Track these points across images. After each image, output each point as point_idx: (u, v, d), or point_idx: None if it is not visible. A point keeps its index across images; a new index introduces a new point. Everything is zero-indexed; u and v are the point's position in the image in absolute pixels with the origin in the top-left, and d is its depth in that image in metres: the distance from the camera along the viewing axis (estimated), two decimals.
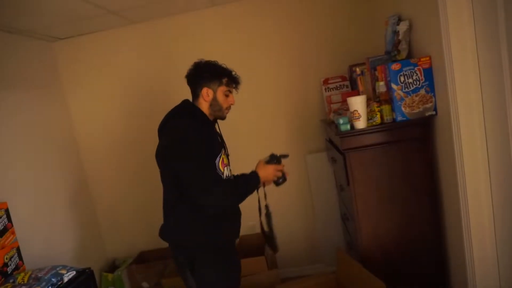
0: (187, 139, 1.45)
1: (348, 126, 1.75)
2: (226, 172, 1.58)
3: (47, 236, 2.34)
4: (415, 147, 1.72)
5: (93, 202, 2.95)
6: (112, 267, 2.90)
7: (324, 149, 2.63)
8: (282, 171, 1.66)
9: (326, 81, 2.52)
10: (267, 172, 1.60)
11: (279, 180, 1.65)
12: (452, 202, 1.64)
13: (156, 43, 2.71)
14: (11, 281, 1.75)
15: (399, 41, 1.78)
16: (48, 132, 2.56)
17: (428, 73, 1.63)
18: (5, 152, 2.13)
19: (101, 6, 2.20)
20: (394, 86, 1.66)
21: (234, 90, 1.69)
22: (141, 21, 2.67)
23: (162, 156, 1.56)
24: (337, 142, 1.95)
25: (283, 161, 1.69)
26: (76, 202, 2.74)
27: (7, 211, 1.92)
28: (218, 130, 1.70)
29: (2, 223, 1.87)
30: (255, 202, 1.71)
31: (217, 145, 1.58)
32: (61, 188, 2.58)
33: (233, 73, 1.65)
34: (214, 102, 1.61)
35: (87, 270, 1.97)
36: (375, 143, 1.73)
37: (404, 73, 1.64)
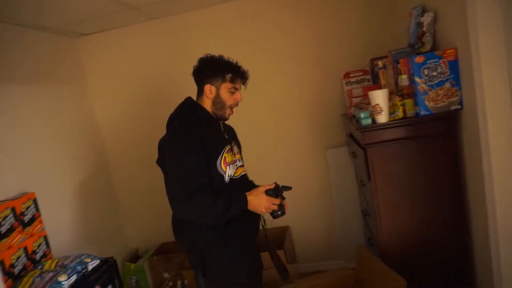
0: (173, 146, 1.43)
1: (370, 121, 1.72)
2: (229, 171, 1.51)
3: (72, 226, 2.42)
4: (438, 142, 1.67)
5: (116, 193, 3.03)
6: (135, 257, 2.98)
7: (345, 144, 2.60)
8: (281, 204, 1.51)
9: (347, 75, 2.48)
10: (258, 201, 1.44)
11: (276, 213, 1.50)
12: (477, 200, 1.59)
13: (175, 38, 2.73)
14: (39, 267, 1.83)
15: (423, 33, 1.73)
16: (73, 124, 2.64)
17: (454, 66, 1.58)
18: (33, 144, 2.21)
19: (123, 2, 2.24)
20: (417, 79, 1.62)
21: (242, 86, 1.60)
22: (162, 17, 2.70)
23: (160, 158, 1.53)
24: (358, 136, 1.92)
25: (285, 193, 1.56)
26: (100, 193, 2.82)
27: (35, 201, 2.00)
28: (221, 127, 1.62)
29: (30, 213, 1.94)
30: None
31: (217, 144, 1.51)
32: (85, 179, 2.66)
33: (240, 68, 1.56)
34: (217, 100, 1.54)
35: (110, 260, 2.03)
36: (397, 138, 1.69)
37: (428, 66, 1.59)
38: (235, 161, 1.58)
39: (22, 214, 1.89)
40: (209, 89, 1.53)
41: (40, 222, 2.01)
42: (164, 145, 1.49)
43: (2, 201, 1.86)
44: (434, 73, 1.59)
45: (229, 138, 1.62)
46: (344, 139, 2.61)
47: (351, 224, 2.70)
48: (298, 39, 2.63)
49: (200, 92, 1.57)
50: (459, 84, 1.59)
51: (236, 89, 1.56)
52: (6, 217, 1.78)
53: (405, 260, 1.78)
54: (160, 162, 1.53)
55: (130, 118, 2.92)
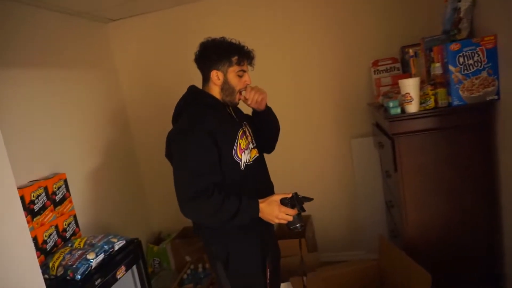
0: (179, 143, 1.36)
1: (399, 110, 1.67)
2: (245, 157, 1.44)
3: (99, 206, 2.50)
4: (472, 134, 1.61)
5: (141, 176, 3.10)
6: (158, 239, 3.05)
7: (371, 134, 2.55)
8: (299, 216, 1.38)
9: (375, 63, 2.41)
10: (271, 210, 1.33)
11: (293, 225, 1.38)
12: None
13: (203, 23, 2.73)
14: (69, 245, 1.90)
15: (460, 19, 1.65)
16: (102, 108, 2.70)
17: (492, 54, 1.50)
18: (64, 127, 2.28)
19: None
20: (451, 68, 1.55)
21: (249, 67, 1.49)
22: (190, 2, 2.70)
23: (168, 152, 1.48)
24: (385, 126, 1.87)
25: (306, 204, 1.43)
26: (127, 177, 2.90)
27: (65, 182, 2.07)
28: (232, 112, 1.52)
29: (61, 192, 2.02)
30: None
31: (231, 132, 1.43)
32: (113, 163, 2.73)
33: (244, 48, 1.44)
34: (225, 86, 1.44)
35: (135, 241, 2.08)
36: (427, 128, 1.64)
37: (464, 53, 1.52)
38: (249, 145, 1.50)
39: (54, 193, 1.96)
40: (216, 75, 1.43)
41: (70, 201, 2.08)
42: (171, 142, 1.43)
43: (36, 180, 1.94)
44: (470, 62, 1.52)
45: (240, 119, 1.53)
46: (370, 128, 2.55)
47: (374, 215, 2.67)
48: (325, 26, 2.57)
49: (206, 79, 1.47)
50: (497, 73, 1.51)
51: (244, 71, 1.46)
52: (39, 196, 1.85)
53: (430, 254, 1.74)
54: (168, 155, 1.49)
55: (157, 105, 2.96)
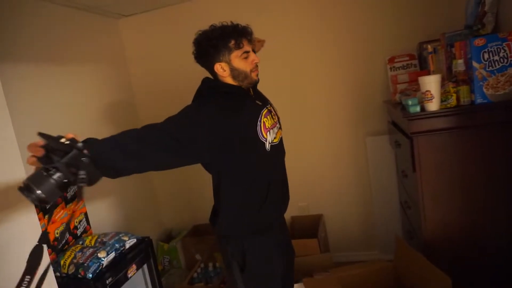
0: (184, 109, 1.28)
1: (418, 108, 1.61)
2: (270, 137, 1.36)
3: (110, 204, 2.49)
4: (496, 133, 1.54)
5: (151, 173, 3.08)
6: (168, 237, 3.04)
7: (386, 132, 2.49)
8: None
9: (391, 60, 2.35)
10: None
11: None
12: None
13: (215, 18, 2.67)
14: (80, 242, 1.89)
15: (484, 13, 1.59)
16: (112, 103, 2.68)
17: None
18: (75, 122, 2.27)
19: None
20: (475, 64, 1.49)
21: (250, 44, 1.37)
22: None
23: None
24: (403, 125, 1.81)
25: None
26: (137, 175, 2.87)
27: None
28: (252, 95, 1.43)
29: (73, 190, 2.00)
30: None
31: (252, 112, 1.35)
32: None
33: (238, 26, 1.33)
34: (235, 73, 1.34)
35: (146, 239, 2.06)
36: (448, 127, 1.58)
37: (489, 49, 1.46)
38: (275, 124, 1.44)
39: None
40: (221, 68, 1.34)
41: (81, 199, 2.07)
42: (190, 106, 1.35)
43: None
44: (496, 58, 1.45)
45: (263, 102, 1.45)
46: (386, 127, 2.49)
47: (388, 215, 2.61)
48: (340, 22, 2.51)
49: (213, 74, 1.39)
50: None
51: (247, 51, 1.34)
52: None
53: (449, 257, 1.69)
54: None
55: (167, 101, 2.93)
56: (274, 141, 1.40)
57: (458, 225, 1.67)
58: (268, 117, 1.39)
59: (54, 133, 1.04)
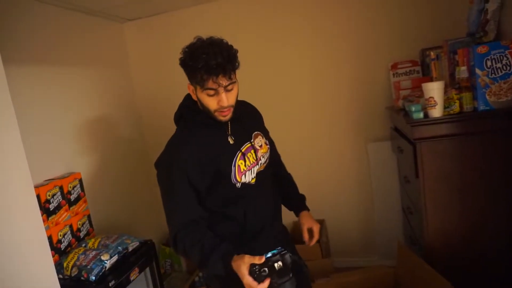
0: (159, 172, 1.30)
1: (421, 114, 1.63)
2: (245, 179, 1.25)
3: (113, 206, 2.49)
4: (498, 140, 1.56)
5: (154, 177, 3.08)
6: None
7: (388, 138, 2.49)
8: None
9: (394, 66, 2.36)
10: (240, 274, 1.08)
11: None
12: None
13: (221, 24, 2.70)
14: (83, 245, 1.89)
15: (487, 21, 1.60)
16: (116, 107, 2.70)
17: None
18: (80, 126, 2.28)
19: None
20: (478, 71, 1.50)
21: (227, 80, 1.16)
22: (205, 2, 2.68)
23: None
24: (406, 131, 1.82)
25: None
26: (139, 176, 2.89)
27: (80, 181, 2.07)
28: (228, 130, 1.29)
29: (76, 192, 2.01)
30: None
31: (223, 155, 1.24)
32: (126, 161, 2.73)
33: (211, 63, 1.11)
34: (201, 104, 1.23)
35: (149, 242, 2.07)
36: (451, 134, 1.59)
37: (492, 57, 1.47)
38: (256, 162, 1.30)
39: (69, 193, 1.96)
40: (192, 91, 1.24)
41: (85, 201, 2.08)
42: (155, 165, 1.34)
43: (51, 179, 1.94)
44: (499, 65, 1.47)
45: (242, 137, 1.30)
46: (388, 132, 2.50)
47: (389, 221, 2.61)
48: (343, 28, 2.52)
49: None
50: None
51: (213, 89, 1.16)
52: (54, 195, 1.85)
53: (451, 263, 1.69)
54: None
55: (170, 106, 2.93)
56: (251, 181, 1.28)
57: (460, 231, 1.67)
58: (245, 157, 1.26)
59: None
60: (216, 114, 1.21)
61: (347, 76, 2.58)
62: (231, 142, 1.27)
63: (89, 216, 2.10)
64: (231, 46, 1.20)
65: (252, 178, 1.28)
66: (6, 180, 1.21)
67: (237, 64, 1.19)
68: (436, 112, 1.57)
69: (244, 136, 1.31)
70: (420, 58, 2.32)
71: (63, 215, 1.89)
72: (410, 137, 1.72)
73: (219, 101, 1.18)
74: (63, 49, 2.21)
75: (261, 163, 1.32)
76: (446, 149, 1.62)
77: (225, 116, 1.22)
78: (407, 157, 1.86)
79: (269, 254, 1.08)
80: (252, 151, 1.30)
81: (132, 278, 1.86)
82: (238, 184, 1.25)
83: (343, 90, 2.60)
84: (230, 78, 1.16)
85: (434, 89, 1.55)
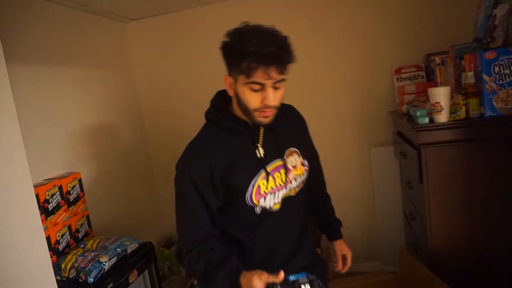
0: (176, 179, 1.12)
1: (427, 119, 1.61)
2: (265, 203, 1.07)
3: (112, 207, 2.47)
4: (505, 146, 1.54)
5: (154, 178, 3.07)
6: (169, 243, 3.01)
7: (391, 143, 2.48)
8: None
9: (398, 71, 2.35)
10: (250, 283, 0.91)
11: None
12: None
13: (226, 26, 2.67)
14: (81, 246, 1.87)
15: (495, 27, 1.59)
16: (118, 108, 2.68)
17: None
18: (81, 125, 2.26)
19: None
20: (485, 77, 1.49)
21: (278, 75, 0.97)
22: (210, 3, 2.67)
23: None
24: (411, 136, 1.81)
25: None
26: (140, 178, 2.86)
27: (80, 181, 2.04)
28: (259, 140, 1.09)
29: (75, 192, 1.99)
30: None
31: (244, 171, 1.07)
32: (126, 162, 2.70)
33: (265, 49, 0.93)
34: (238, 99, 1.04)
35: (148, 244, 2.04)
36: (457, 140, 1.58)
37: (500, 63, 1.46)
38: (284, 185, 1.10)
39: (68, 193, 1.93)
40: (228, 83, 1.05)
41: (84, 202, 2.05)
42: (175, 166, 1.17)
43: (51, 179, 1.91)
44: (507, 71, 1.45)
45: (272, 151, 1.10)
46: (391, 137, 2.48)
47: (391, 227, 2.59)
48: (346, 31, 2.51)
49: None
50: None
51: (261, 84, 0.97)
52: (53, 195, 1.82)
53: (455, 270, 1.67)
54: None
55: (172, 108, 2.93)
56: (274, 207, 1.09)
57: (464, 238, 1.65)
58: (270, 177, 1.07)
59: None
60: (255, 114, 1.02)
61: (350, 80, 2.57)
62: (259, 155, 1.08)
63: (88, 217, 2.07)
64: (287, 37, 1.02)
65: (276, 204, 1.09)
66: (6, 180, 1.19)
67: (293, 57, 1.01)
68: (442, 117, 1.55)
69: (275, 151, 1.11)
70: (424, 63, 2.30)
71: (61, 216, 1.86)
72: (414, 142, 1.70)
73: (264, 98, 0.99)
74: (65, 48, 2.19)
75: (291, 187, 1.12)
76: (451, 154, 1.60)
77: (267, 117, 1.03)
78: (411, 162, 1.85)
79: (293, 277, 0.94)
80: (282, 170, 1.10)
81: (131, 281, 1.83)
82: (257, 208, 1.07)
83: (346, 94, 2.59)
84: (282, 73, 0.98)
85: (441, 94, 1.53)
